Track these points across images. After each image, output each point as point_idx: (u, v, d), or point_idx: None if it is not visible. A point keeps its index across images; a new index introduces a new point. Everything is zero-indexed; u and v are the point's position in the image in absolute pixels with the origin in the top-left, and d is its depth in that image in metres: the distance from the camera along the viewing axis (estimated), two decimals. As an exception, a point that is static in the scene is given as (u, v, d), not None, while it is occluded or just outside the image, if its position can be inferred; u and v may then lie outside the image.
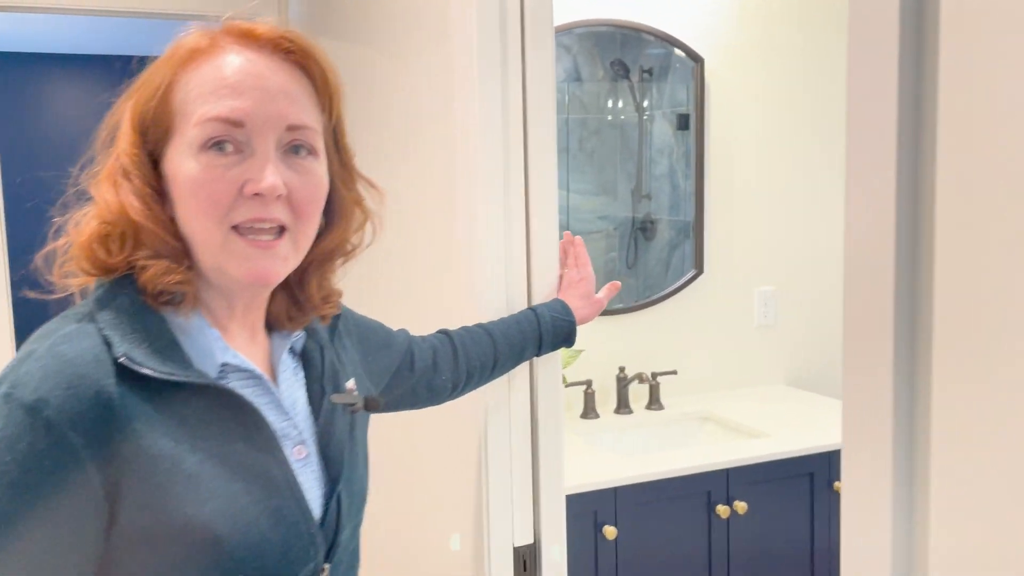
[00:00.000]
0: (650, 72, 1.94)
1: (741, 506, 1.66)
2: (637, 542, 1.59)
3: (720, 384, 2.24)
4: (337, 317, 0.80)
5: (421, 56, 1.25)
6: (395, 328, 0.97)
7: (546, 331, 1.08)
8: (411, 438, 1.36)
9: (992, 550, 0.46)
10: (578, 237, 1.19)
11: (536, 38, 1.07)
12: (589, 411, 1.98)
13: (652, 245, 2.01)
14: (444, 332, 1.03)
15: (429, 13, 1.21)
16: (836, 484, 1.78)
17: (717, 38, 2.07)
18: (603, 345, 2.07)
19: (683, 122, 1.98)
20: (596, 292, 1.17)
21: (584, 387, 2.00)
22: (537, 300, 1.13)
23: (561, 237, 1.15)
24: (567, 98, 1.89)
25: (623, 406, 2.01)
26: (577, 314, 1.11)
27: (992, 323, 0.46)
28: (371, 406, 0.76)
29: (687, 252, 2.05)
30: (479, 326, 1.05)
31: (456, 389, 1.00)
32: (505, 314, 1.09)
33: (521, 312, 1.09)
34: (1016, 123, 0.44)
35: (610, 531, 1.55)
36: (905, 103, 0.52)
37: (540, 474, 1.12)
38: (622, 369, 2.02)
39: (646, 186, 1.98)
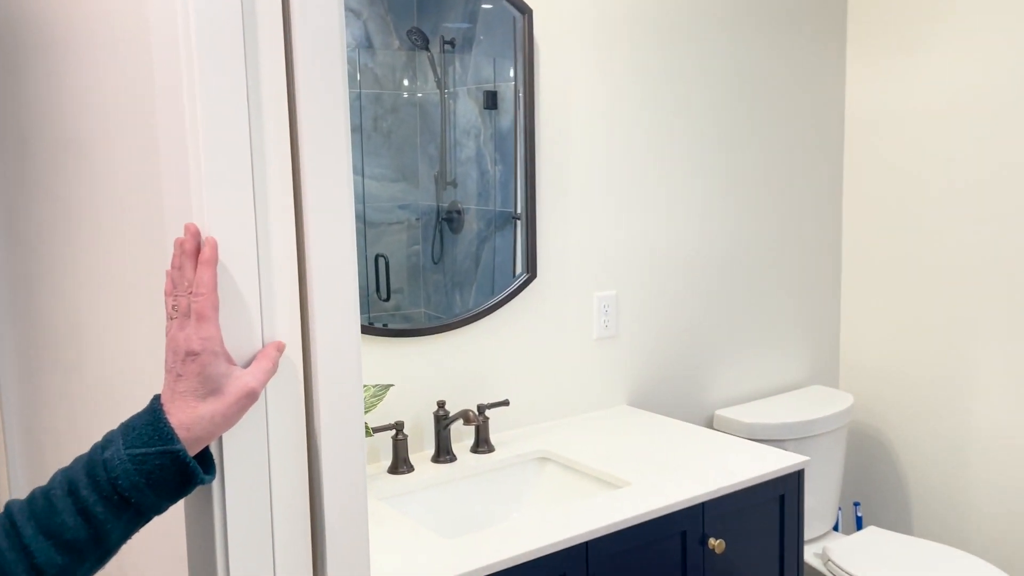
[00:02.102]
0: (452, 44, 1.73)
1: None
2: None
3: (557, 411, 2.02)
4: None
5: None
6: None
7: (129, 491, 0.63)
8: None
9: None
10: (210, 237, 0.71)
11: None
12: (400, 463, 1.68)
13: (460, 238, 1.82)
14: None
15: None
16: (711, 541, 1.57)
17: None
18: (416, 375, 1.79)
19: (490, 100, 1.79)
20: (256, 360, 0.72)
21: (393, 433, 1.70)
22: (320, 364, 0.78)
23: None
24: (358, 70, 1.65)
25: (444, 452, 1.74)
26: (194, 432, 0.65)
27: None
28: None
29: (498, 244, 1.87)
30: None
31: None
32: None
33: (85, 457, 0.65)
34: None
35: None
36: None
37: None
38: (441, 404, 1.75)
39: (451, 172, 1.79)
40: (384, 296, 1.73)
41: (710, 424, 2.35)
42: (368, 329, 1.70)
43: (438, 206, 1.79)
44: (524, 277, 1.91)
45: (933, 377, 2.45)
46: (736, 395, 2.40)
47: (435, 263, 1.80)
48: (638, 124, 2.06)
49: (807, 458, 1.75)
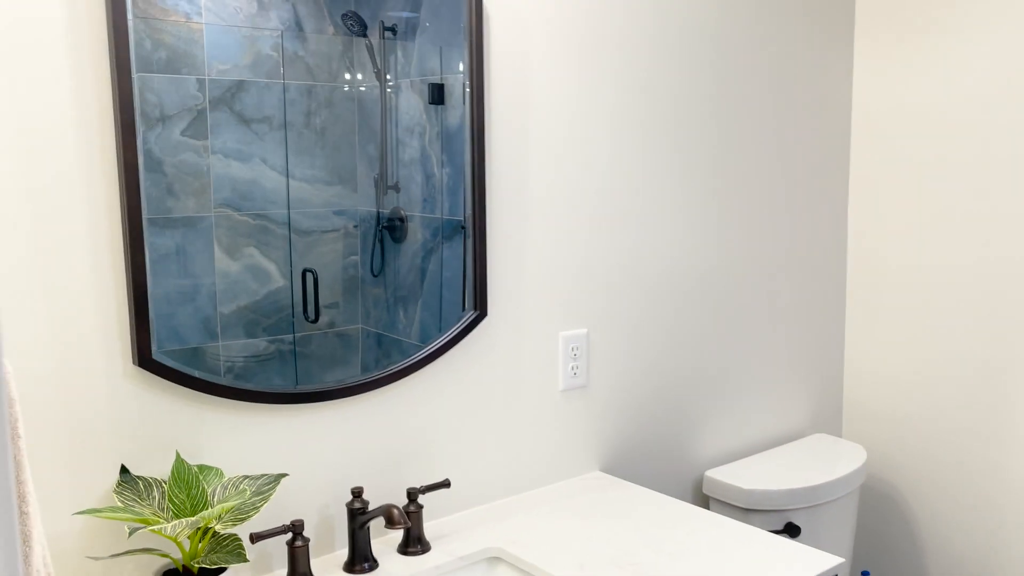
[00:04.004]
0: (393, 30, 1.55)
1: None
2: None
3: (513, 484, 1.72)
4: None
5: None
6: None
7: None
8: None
9: None
10: None
11: None
12: (299, 580, 1.33)
13: (403, 248, 1.62)
14: None
15: None
16: None
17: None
18: (323, 453, 1.48)
19: (436, 94, 1.61)
20: None
21: (288, 537, 1.36)
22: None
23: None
24: (283, 58, 1.47)
25: (361, 559, 1.38)
26: None
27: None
28: None
29: (446, 256, 1.67)
30: None
31: None
32: None
33: None
34: None
35: None
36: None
37: None
38: (358, 493, 1.42)
39: (393, 174, 1.59)
40: (312, 317, 1.53)
41: (699, 488, 2.08)
42: (253, 395, 1.41)
43: (378, 212, 1.59)
44: (471, 315, 1.65)
45: (957, 425, 2.17)
46: (728, 450, 2.14)
47: (375, 275, 1.59)
48: (614, 122, 1.84)
49: (842, 560, 1.44)
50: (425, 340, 1.62)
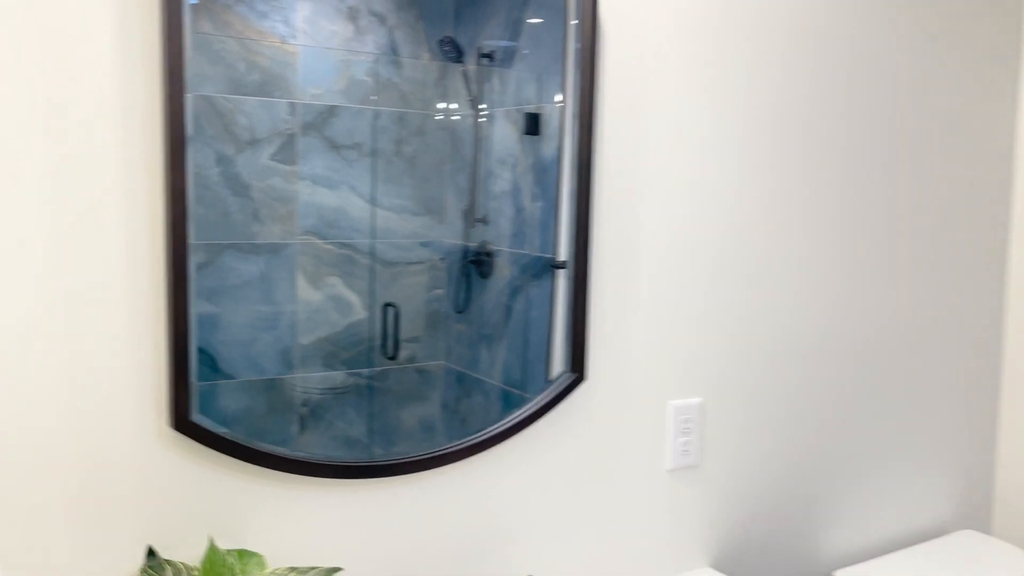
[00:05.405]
0: (490, 56, 1.50)
1: None
2: None
3: None
4: None
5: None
6: None
7: None
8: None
9: None
10: None
11: None
12: None
13: (489, 284, 1.54)
14: None
15: None
16: None
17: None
18: (385, 540, 1.29)
19: (532, 125, 1.53)
20: None
21: None
22: None
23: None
24: (376, 83, 1.44)
25: None
26: None
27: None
28: None
29: (533, 295, 1.57)
30: None
31: None
32: None
33: None
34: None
35: None
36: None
37: None
38: None
39: (482, 207, 1.52)
40: (390, 353, 1.46)
41: None
42: (305, 467, 1.27)
43: (465, 246, 1.52)
44: (567, 379, 1.45)
45: None
46: (858, 546, 1.88)
47: (459, 312, 1.52)
48: (740, 162, 1.65)
49: None
50: (508, 382, 1.52)
